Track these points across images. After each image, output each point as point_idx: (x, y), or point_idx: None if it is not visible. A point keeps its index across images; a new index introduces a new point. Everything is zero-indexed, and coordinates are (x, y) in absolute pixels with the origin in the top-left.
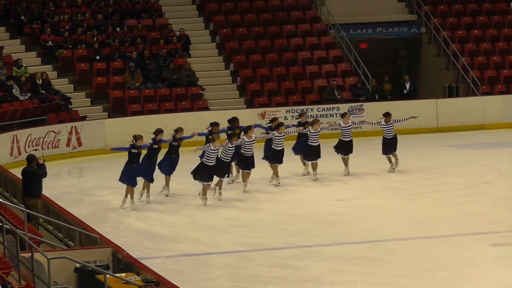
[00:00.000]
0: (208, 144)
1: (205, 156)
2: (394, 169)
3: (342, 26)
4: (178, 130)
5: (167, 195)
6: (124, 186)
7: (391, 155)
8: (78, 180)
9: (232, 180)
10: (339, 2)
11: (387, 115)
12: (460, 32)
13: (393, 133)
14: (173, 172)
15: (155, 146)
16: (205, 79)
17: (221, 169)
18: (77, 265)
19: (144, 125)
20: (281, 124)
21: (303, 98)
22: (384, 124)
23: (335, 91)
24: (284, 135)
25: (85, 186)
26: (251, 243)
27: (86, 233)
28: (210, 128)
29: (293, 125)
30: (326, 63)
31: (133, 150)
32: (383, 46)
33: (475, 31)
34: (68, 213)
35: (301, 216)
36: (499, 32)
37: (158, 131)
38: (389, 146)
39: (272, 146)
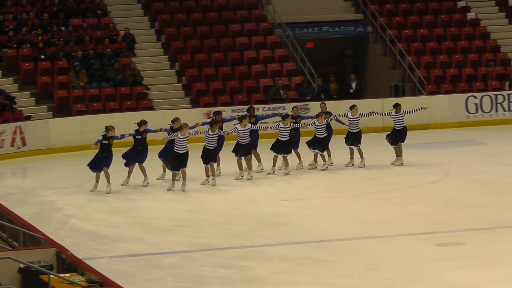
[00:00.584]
0: (207, 130)
1: (206, 141)
2: (402, 163)
3: (288, 25)
4: (142, 123)
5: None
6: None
7: (396, 146)
8: (22, 180)
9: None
10: (285, 1)
11: (397, 106)
12: (406, 31)
13: (403, 124)
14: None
15: (138, 136)
16: (150, 78)
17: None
18: (21, 265)
19: (89, 125)
20: (288, 115)
21: (248, 98)
22: (394, 115)
23: (281, 91)
24: (289, 127)
25: (29, 187)
26: (196, 244)
27: (30, 233)
28: (213, 117)
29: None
30: (271, 63)
31: (103, 141)
32: (329, 45)
33: (422, 30)
34: (12, 213)
35: (246, 217)
36: (446, 31)
37: (142, 122)
38: (399, 137)
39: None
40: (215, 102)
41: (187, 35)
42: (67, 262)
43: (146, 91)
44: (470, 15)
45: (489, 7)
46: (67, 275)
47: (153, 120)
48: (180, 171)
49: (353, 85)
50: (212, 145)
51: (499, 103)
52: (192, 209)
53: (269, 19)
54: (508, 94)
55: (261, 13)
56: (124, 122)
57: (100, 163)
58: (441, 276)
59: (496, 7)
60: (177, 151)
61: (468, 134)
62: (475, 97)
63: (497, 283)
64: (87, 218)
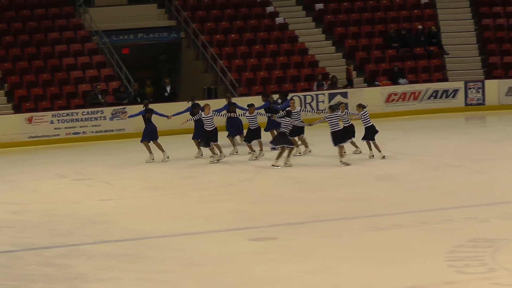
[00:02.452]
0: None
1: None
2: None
3: (104, 33)
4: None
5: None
6: None
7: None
8: None
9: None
10: (101, 9)
11: (250, 105)
12: (218, 36)
13: (370, 123)
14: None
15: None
16: None
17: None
18: None
19: None
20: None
21: (68, 103)
22: (249, 115)
23: (99, 95)
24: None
25: None
26: (20, 243)
27: None
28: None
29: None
30: (89, 69)
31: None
32: (144, 51)
33: (233, 35)
34: None
35: (68, 216)
36: (256, 36)
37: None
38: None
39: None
40: (36, 107)
41: (8, 44)
42: None
43: None
44: (279, 20)
45: (296, 11)
46: None
47: None
48: (213, 145)
49: (168, 88)
50: (254, 125)
51: (308, 103)
52: (15, 211)
53: (86, 27)
54: (316, 95)
55: (79, 22)
56: None
57: None
58: (255, 269)
59: (304, 11)
60: (206, 128)
61: None
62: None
63: (308, 275)
64: None
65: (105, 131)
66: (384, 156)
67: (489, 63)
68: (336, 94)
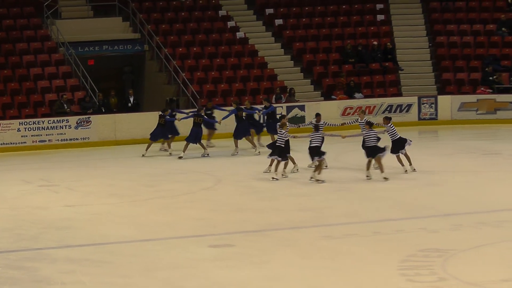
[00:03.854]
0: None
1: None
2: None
3: (71, 44)
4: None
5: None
6: None
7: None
8: None
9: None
10: (68, 21)
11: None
12: (180, 49)
13: (397, 136)
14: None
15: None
16: None
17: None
18: None
19: None
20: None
21: (35, 111)
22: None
23: (65, 105)
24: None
25: None
26: None
27: None
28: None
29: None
30: (56, 79)
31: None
32: (109, 63)
33: (195, 48)
34: None
35: (33, 222)
36: (217, 49)
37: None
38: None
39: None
40: (4, 115)
41: None
42: None
43: None
44: (239, 34)
45: (256, 26)
46: None
47: None
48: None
49: (131, 99)
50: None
51: None
52: None
53: (53, 39)
54: (275, 107)
55: (46, 33)
56: None
57: None
58: (213, 275)
59: (263, 27)
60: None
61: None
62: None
63: (264, 281)
64: None
65: (70, 139)
66: (414, 169)
67: (442, 79)
68: (294, 106)
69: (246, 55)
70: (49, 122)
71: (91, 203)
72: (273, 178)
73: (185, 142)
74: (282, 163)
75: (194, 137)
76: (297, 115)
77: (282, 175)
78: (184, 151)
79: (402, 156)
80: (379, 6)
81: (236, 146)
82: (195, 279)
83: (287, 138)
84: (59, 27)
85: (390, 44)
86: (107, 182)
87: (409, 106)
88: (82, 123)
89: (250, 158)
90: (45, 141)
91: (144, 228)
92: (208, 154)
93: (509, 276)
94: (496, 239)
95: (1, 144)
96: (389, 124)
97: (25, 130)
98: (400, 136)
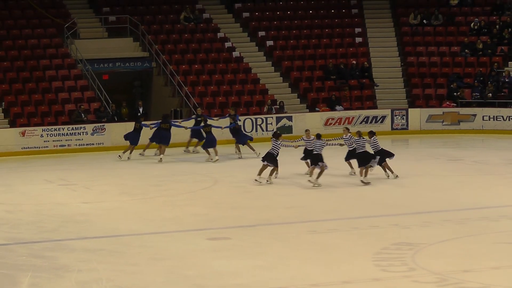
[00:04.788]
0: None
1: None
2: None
3: (88, 61)
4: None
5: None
6: None
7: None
8: None
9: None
10: (85, 41)
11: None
12: (184, 66)
13: (379, 148)
14: None
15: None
16: None
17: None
18: None
19: None
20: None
21: (56, 120)
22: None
23: (82, 114)
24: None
25: None
26: (13, 238)
27: None
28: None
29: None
30: (75, 91)
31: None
32: (121, 78)
33: (196, 66)
34: None
35: (54, 216)
36: (215, 67)
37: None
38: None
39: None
40: (29, 123)
41: (6, 68)
42: None
43: None
44: (235, 54)
45: (250, 47)
46: None
47: None
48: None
49: (141, 110)
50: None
51: (258, 124)
52: (9, 210)
53: (72, 56)
54: (266, 118)
55: (66, 51)
56: None
57: None
58: (212, 264)
59: (256, 47)
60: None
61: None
62: (240, 120)
63: (257, 269)
64: None
65: (87, 144)
66: (397, 176)
67: (412, 94)
68: (282, 117)
69: (241, 71)
70: (68, 129)
71: (105, 200)
72: (255, 180)
73: (212, 149)
74: (271, 169)
75: (210, 142)
76: (285, 124)
77: (267, 180)
78: (214, 157)
79: (386, 165)
80: (358, 30)
81: (239, 150)
82: (196, 267)
83: (280, 149)
84: (78, 46)
85: (367, 63)
86: (119, 182)
87: (383, 117)
88: (98, 130)
89: (246, 161)
90: (64, 145)
91: (151, 222)
92: (212, 160)
93: (471, 267)
94: (459, 234)
95: (26, 148)
96: (373, 138)
97: (47, 136)
98: (382, 148)
